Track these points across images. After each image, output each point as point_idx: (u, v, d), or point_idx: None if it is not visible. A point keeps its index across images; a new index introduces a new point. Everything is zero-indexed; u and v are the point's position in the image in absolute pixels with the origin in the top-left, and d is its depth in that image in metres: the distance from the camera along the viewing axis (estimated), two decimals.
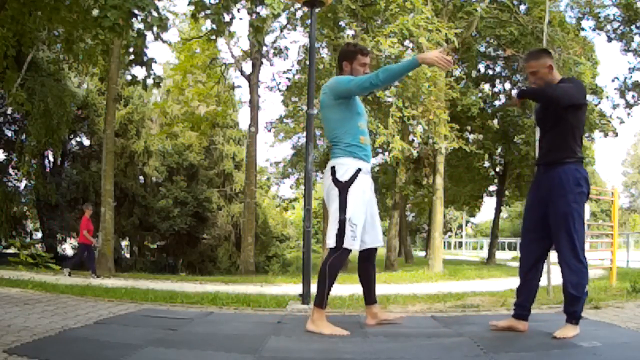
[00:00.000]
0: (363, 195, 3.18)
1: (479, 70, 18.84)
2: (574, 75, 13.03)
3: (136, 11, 5.53)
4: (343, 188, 3.15)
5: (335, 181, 3.17)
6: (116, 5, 5.24)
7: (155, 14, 5.79)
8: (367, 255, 3.35)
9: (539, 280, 3.24)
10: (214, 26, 6.47)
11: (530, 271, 3.18)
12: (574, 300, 2.96)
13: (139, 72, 68.36)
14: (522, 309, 3.17)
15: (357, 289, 6.92)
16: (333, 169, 3.21)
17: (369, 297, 3.42)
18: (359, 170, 3.18)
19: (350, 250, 3.16)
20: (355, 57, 3.32)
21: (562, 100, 2.94)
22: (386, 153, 14.48)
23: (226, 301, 4.70)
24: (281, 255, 31.65)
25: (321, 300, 3.15)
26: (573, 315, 2.97)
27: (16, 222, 21.08)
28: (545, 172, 3.10)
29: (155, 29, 5.88)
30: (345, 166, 3.17)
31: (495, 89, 19.39)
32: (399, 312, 3.66)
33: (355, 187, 3.15)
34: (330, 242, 3.15)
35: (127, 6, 5.31)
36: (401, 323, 3.44)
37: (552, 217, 2.99)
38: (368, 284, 3.41)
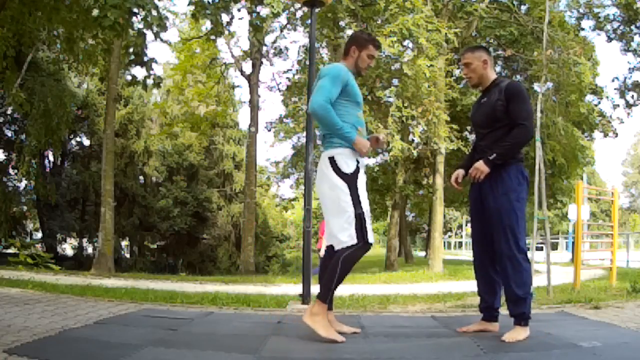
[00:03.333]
0: (365, 189, 3.06)
1: None
2: (574, 76, 13.03)
3: (136, 10, 5.53)
4: (351, 181, 2.98)
5: (341, 174, 2.99)
6: (116, 5, 5.24)
7: (155, 13, 5.79)
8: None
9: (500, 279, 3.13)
10: (213, 26, 6.47)
11: (488, 274, 3.11)
12: (519, 302, 2.88)
13: (139, 72, 68.35)
14: (490, 310, 3.14)
15: (357, 289, 6.93)
16: (332, 160, 3.03)
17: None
18: (358, 162, 3.05)
19: (371, 245, 2.97)
20: (367, 46, 3.16)
21: (526, 139, 2.98)
22: (386, 153, 14.48)
23: (226, 301, 4.70)
24: (281, 255, 31.66)
25: (325, 294, 2.95)
26: (522, 317, 2.89)
27: (16, 222, 21.11)
28: (489, 174, 3.01)
29: (154, 28, 5.88)
30: (345, 157, 3.01)
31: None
32: (352, 328, 3.22)
33: (361, 180, 3.03)
34: (345, 238, 2.92)
35: (127, 5, 5.31)
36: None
37: (495, 216, 2.96)
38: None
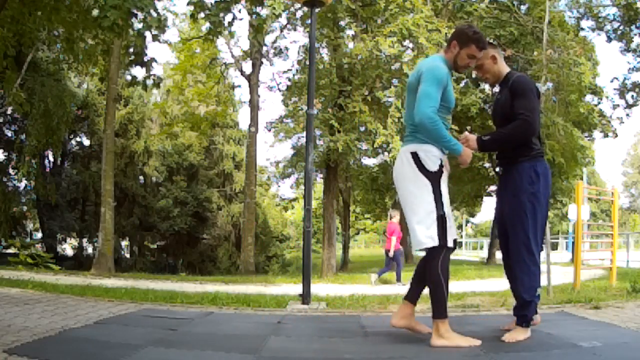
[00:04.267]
0: (447, 189, 2.89)
1: None
2: (574, 76, 13.04)
3: (135, 11, 5.53)
4: (434, 179, 2.80)
5: (425, 171, 2.80)
6: (116, 5, 5.24)
7: (154, 14, 5.79)
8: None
9: None
10: (212, 27, 6.47)
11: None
12: (525, 304, 2.89)
13: (139, 72, 68.31)
14: None
15: (358, 289, 6.93)
16: (415, 155, 2.83)
17: (415, 295, 3.05)
18: (441, 160, 2.86)
19: (454, 248, 2.82)
20: (469, 44, 2.91)
21: (526, 134, 2.89)
22: (386, 153, 14.46)
23: (226, 301, 4.69)
24: (281, 255, 31.66)
25: (443, 310, 2.77)
26: (524, 319, 2.90)
27: (16, 222, 21.10)
28: (504, 174, 3.07)
29: (153, 30, 5.88)
30: (430, 154, 2.82)
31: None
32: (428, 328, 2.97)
33: (444, 179, 2.84)
34: (425, 240, 2.75)
35: (126, 6, 5.31)
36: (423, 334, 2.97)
37: (507, 218, 2.98)
38: (423, 283, 2.98)
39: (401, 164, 2.90)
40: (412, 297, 3.02)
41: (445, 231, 2.76)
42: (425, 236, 2.76)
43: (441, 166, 2.84)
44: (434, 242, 2.74)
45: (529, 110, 2.87)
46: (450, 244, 2.78)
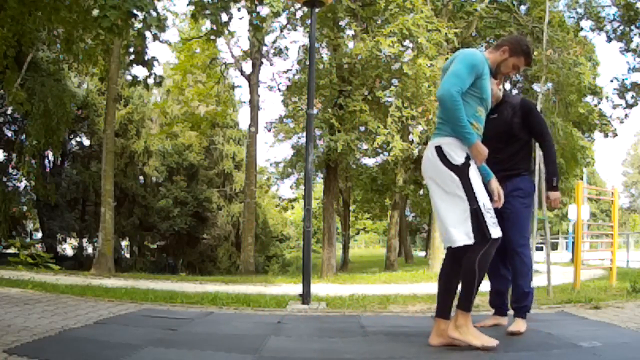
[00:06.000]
0: (480, 180, 2.74)
1: None
2: (574, 76, 13.03)
3: (135, 11, 5.52)
4: (462, 172, 2.66)
5: (450, 165, 2.68)
6: (115, 6, 5.23)
7: (154, 14, 5.78)
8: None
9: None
10: (213, 26, 6.46)
11: (499, 271, 3.33)
12: (524, 295, 3.13)
13: (139, 72, 68.22)
14: (502, 305, 3.38)
15: (358, 289, 6.92)
16: (439, 149, 2.72)
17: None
18: (468, 156, 2.72)
19: (499, 240, 2.67)
20: (519, 56, 2.92)
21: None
22: (386, 153, 14.48)
23: (226, 301, 4.69)
24: (281, 255, 31.67)
25: (469, 303, 2.67)
26: (525, 309, 3.14)
27: (16, 222, 21.09)
28: (503, 181, 3.09)
29: (153, 29, 5.87)
30: (454, 146, 2.69)
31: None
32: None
33: (473, 171, 2.70)
34: (458, 237, 2.62)
35: (126, 6, 5.31)
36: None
37: (512, 218, 3.13)
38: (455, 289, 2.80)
39: (427, 160, 2.79)
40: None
41: (482, 225, 2.60)
42: (459, 233, 2.63)
43: (468, 157, 2.70)
44: (470, 239, 2.60)
45: (548, 130, 3.32)
46: (494, 235, 2.62)
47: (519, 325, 3.04)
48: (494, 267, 3.23)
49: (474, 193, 2.64)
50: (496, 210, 2.91)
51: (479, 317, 3.23)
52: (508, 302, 3.30)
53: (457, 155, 2.68)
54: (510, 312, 3.24)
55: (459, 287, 2.73)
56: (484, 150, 2.71)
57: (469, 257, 2.64)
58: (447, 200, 2.69)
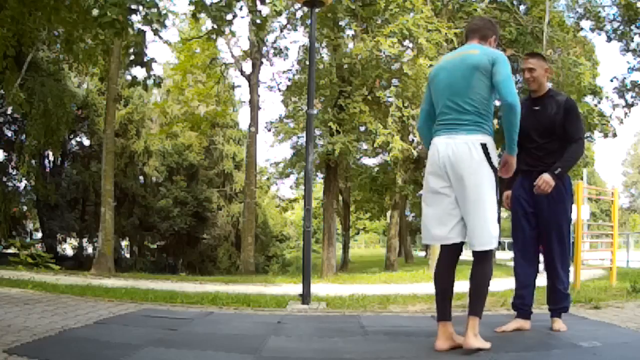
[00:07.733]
0: None
1: None
2: (574, 76, 13.03)
3: (135, 7, 5.52)
4: (496, 175, 2.59)
5: (492, 166, 2.57)
6: (116, 3, 5.24)
7: (154, 9, 5.78)
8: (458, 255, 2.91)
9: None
10: (214, 25, 6.46)
11: (527, 273, 3.33)
12: (564, 297, 3.21)
13: (139, 72, 68.24)
14: (527, 308, 3.33)
15: (358, 289, 6.92)
16: (485, 147, 2.56)
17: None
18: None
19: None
20: (497, 38, 2.90)
21: (582, 154, 3.23)
22: (386, 153, 14.47)
23: (226, 301, 4.69)
24: (281, 255, 31.66)
25: (482, 308, 2.70)
26: (565, 310, 3.23)
27: (16, 222, 21.09)
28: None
29: (154, 25, 5.87)
30: (493, 147, 2.59)
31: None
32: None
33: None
34: (486, 240, 2.57)
35: (126, 3, 5.31)
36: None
37: (552, 222, 3.15)
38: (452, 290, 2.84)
39: (469, 153, 2.54)
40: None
41: (499, 232, 2.65)
42: (489, 236, 2.57)
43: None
44: (494, 243, 2.58)
45: (584, 132, 3.35)
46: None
47: (561, 323, 3.16)
48: (522, 269, 3.32)
49: (499, 199, 2.69)
50: (532, 212, 3.16)
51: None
52: (532, 304, 3.29)
53: (495, 158, 2.61)
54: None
55: (465, 291, 2.78)
56: (514, 166, 2.75)
57: (488, 265, 2.69)
58: (484, 201, 2.55)
